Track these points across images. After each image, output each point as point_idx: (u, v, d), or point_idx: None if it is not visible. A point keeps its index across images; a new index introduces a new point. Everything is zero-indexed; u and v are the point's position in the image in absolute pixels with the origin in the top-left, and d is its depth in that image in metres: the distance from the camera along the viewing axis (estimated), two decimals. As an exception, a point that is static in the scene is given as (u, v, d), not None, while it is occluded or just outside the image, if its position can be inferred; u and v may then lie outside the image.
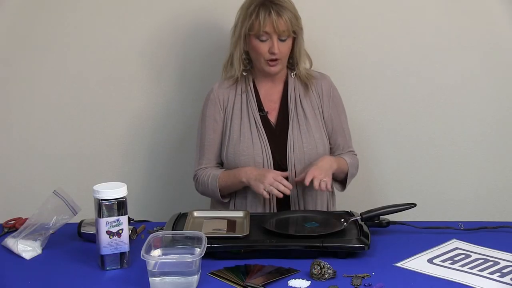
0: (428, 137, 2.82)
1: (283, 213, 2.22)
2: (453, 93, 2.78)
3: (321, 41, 2.70)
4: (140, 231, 2.17)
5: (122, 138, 2.84)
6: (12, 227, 2.17)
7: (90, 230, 2.04)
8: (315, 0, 2.70)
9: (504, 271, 1.80)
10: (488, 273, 1.79)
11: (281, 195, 2.19)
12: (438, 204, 2.84)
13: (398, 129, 2.81)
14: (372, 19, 2.73)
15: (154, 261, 1.72)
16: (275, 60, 2.29)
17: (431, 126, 2.81)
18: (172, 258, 1.76)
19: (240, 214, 2.15)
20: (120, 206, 1.84)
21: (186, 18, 2.74)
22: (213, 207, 2.46)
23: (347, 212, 2.18)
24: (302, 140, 2.34)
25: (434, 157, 2.83)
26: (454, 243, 2.01)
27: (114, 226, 1.84)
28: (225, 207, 2.38)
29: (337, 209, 2.44)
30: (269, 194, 2.21)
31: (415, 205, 2.09)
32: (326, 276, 1.74)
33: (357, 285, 1.71)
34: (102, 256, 1.85)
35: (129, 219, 2.02)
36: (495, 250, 1.94)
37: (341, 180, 2.40)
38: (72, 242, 2.07)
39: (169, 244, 1.81)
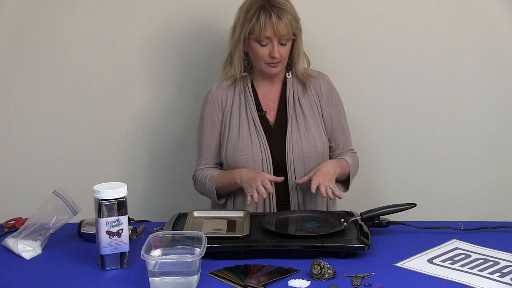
0: (428, 137, 2.82)
1: (283, 213, 2.22)
2: (453, 93, 2.78)
3: (321, 41, 2.70)
4: (140, 231, 2.17)
5: (122, 138, 2.84)
6: (12, 227, 2.17)
7: (90, 230, 2.04)
8: (314, 0, 2.70)
9: (504, 271, 1.80)
10: (488, 273, 1.79)
11: (256, 200, 2.15)
12: (438, 204, 2.84)
13: (398, 129, 2.81)
14: (372, 19, 2.73)
15: (154, 261, 1.72)
16: (276, 62, 2.29)
17: (431, 126, 2.81)
18: (172, 258, 1.76)
19: (240, 214, 2.15)
20: (120, 206, 1.84)
21: (186, 18, 2.74)
22: (213, 207, 2.46)
23: (347, 212, 2.19)
24: (301, 138, 2.34)
25: (434, 157, 2.83)
26: (454, 243, 2.01)
27: (114, 226, 1.84)
28: (225, 206, 2.39)
29: (337, 209, 2.44)
30: (252, 198, 2.17)
31: (415, 205, 2.09)
32: (326, 276, 1.74)
33: (357, 285, 1.71)
34: (102, 256, 1.85)
35: (129, 219, 2.02)
36: (495, 250, 1.94)
37: (343, 180, 2.40)
38: (72, 242, 2.07)
39: (169, 244, 1.81)
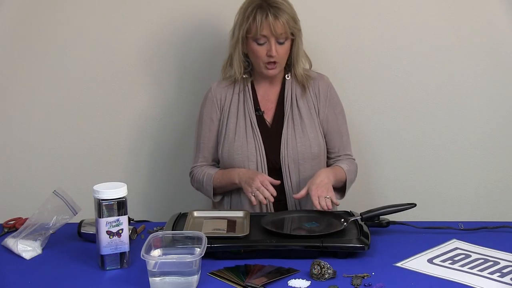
0: (428, 137, 2.81)
1: (283, 213, 2.23)
2: (453, 93, 2.77)
3: (321, 41, 2.70)
4: (140, 231, 2.17)
5: (122, 138, 2.84)
6: (12, 227, 2.17)
7: (90, 230, 2.04)
8: (314, 0, 2.70)
9: (504, 271, 1.80)
10: (488, 273, 1.79)
11: (265, 202, 2.20)
12: (438, 204, 2.84)
13: (398, 129, 2.81)
14: (372, 19, 2.73)
15: (154, 261, 1.72)
16: (274, 63, 2.29)
17: (431, 126, 2.81)
18: (172, 258, 1.76)
19: (240, 214, 2.15)
20: (120, 206, 1.84)
21: (186, 19, 2.73)
22: (214, 206, 2.47)
23: (347, 212, 2.18)
24: (296, 139, 2.34)
25: (434, 157, 2.83)
26: (454, 243, 2.02)
27: (114, 226, 1.84)
28: (222, 204, 2.40)
29: (337, 209, 2.44)
30: (257, 199, 2.20)
31: (415, 205, 2.09)
32: (326, 276, 1.74)
33: (357, 285, 1.71)
34: (102, 256, 1.85)
35: (129, 219, 2.02)
36: (495, 250, 1.94)
37: (339, 187, 2.38)
38: (72, 242, 2.07)
39: (169, 244, 1.81)
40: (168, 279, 1.70)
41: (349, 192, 2.44)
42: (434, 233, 2.10)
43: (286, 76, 2.40)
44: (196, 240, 1.80)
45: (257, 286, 1.70)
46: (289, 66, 2.39)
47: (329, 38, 2.73)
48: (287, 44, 2.31)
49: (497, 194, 2.84)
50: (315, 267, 1.76)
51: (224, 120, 2.39)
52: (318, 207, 2.13)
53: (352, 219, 2.06)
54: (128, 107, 2.81)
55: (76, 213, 2.04)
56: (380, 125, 2.81)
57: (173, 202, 2.86)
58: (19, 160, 2.84)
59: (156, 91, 2.80)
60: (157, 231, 2.11)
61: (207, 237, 1.79)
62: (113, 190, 1.83)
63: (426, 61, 2.75)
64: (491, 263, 1.86)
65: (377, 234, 2.07)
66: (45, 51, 2.75)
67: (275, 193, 2.21)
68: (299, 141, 2.34)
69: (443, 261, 1.88)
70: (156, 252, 1.79)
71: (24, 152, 2.83)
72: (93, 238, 1.93)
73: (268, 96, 2.41)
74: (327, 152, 2.43)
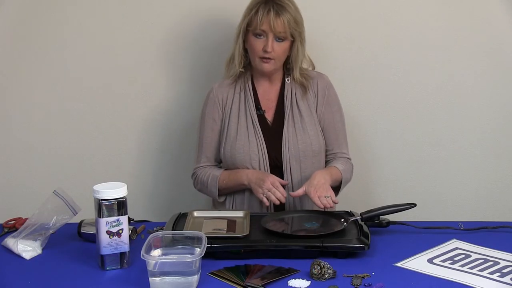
0: (428, 137, 2.81)
1: (283, 213, 2.23)
2: (453, 93, 2.77)
3: (321, 41, 2.70)
4: (140, 231, 2.17)
5: (122, 138, 2.83)
6: (12, 227, 2.17)
7: (90, 230, 2.04)
8: (316, 0, 2.70)
9: (504, 271, 1.80)
10: (488, 273, 1.79)
11: (277, 202, 2.22)
12: (438, 204, 2.84)
13: (398, 129, 2.81)
14: (372, 19, 2.73)
15: (154, 261, 1.72)
16: (268, 58, 2.30)
17: (431, 126, 2.80)
18: (172, 258, 1.76)
19: (240, 214, 2.15)
20: (120, 206, 1.84)
21: (186, 19, 2.73)
22: (214, 206, 2.47)
23: (347, 212, 2.18)
24: (297, 137, 2.35)
25: (434, 157, 2.83)
26: (454, 243, 2.02)
27: (114, 226, 1.84)
28: (224, 204, 2.40)
29: (337, 209, 2.44)
30: (269, 200, 2.23)
31: (415, 205, 2.09)
32: (326, 276, 1.74)
33: (357, 285, 1.71)
34: (102, 256, 1.85)
35: (129, 219, 2.02)
36: (495, 250, 1.94)
37: (334, 187, 2.38)
38: (72, 242, 2.07)
39: (169, 244, 1.81)
40: (168, 279, 1.70)
41: (349, 192, 2.44)
42: (434, 233, 2.10)
43: (286, 80, 2.41)
44: (196, 240, 1.80)
45: (257, 286, 1.70)
46: (288, 70, 2.40)
47: (329, 38, 2.73)
48: (286, 44, 2.31)
49: (497, 194, 2.84)
50: (315, 267, 1.76)
51: (225, 120, 2.40)
52: (321, 206, 2.14)
53: (352, 219, 2.06)
54: (128, 107, 2.81)
55: (76, 213, 2.04)
56: (380, 125, 2.81)
57: (173, 202, 2.86)
58: (19, 160, 2.84)
59: (156, 91, 2.80)
60: (157, 231, 2.11)
61: (207, 237, 1.79)
62: (113, 190, 1.83)
63: (426, 61, 2.75)
64: (491, 263, 1.86)
65: (377, 234, 2.07)
66: (45, 51, 2.75)
67: (285, 194, 2.23)
68: (300, 139, 2.35)
69: (443, 261, 1.88)
70: (156, 252, 1.79)
71: (24, 152, 2.83)
72: (93, 238, 1.93)
73: (268, 95, 2.42)
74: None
